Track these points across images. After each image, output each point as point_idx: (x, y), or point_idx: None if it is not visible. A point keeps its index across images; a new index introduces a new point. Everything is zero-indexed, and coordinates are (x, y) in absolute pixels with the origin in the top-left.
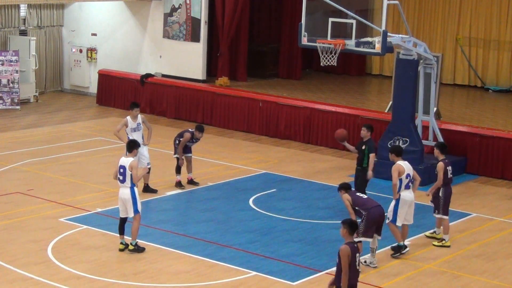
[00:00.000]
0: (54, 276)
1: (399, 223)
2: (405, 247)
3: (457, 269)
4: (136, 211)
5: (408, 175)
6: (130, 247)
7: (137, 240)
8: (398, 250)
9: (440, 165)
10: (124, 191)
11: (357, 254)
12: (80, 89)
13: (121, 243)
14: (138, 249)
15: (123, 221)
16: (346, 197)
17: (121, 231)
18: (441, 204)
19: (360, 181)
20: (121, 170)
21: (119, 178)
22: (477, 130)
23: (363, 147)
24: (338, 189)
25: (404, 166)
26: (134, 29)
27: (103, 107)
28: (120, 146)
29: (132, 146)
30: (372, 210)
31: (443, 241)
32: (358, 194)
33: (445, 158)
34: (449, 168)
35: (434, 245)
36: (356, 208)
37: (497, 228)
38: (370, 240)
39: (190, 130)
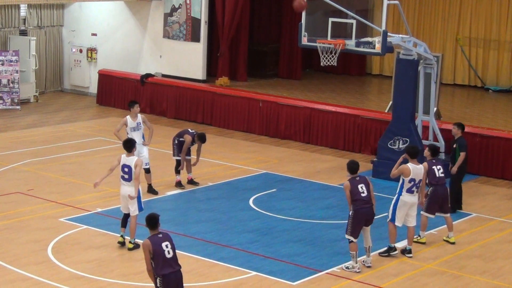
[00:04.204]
0: (54, 276)
1: (398, 223)
2: (395, 249)
3: (457, 269)
4: (141, 208)
5: (412, 179)
6: (130, 245)
7: (135, 238)
8: (387, 251)
9: (424, 165)
10: (129, 189)
11: (165, 243)
12: (80, 89)
13: (121, 236)
14: (137, 246)
15: (127, 216)
16: (347, 185)
17: (124, 224)
18: (426, 202)
19: (452, 179)
20: (126, 170)
21: (123, 176)
22: (477, 130)
23: (454, 146)
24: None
25: (411, 169)
26: (134, 29)
27: (103, 107)
28: (120, 146)
29: (130, 146)
30: (360, 211)
31: (418, 237)
32: (359, 186)
33: (433, 159)
34: (436, 168)
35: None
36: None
37: (497, 228)
38: (354, 239)
39: (190, 130)
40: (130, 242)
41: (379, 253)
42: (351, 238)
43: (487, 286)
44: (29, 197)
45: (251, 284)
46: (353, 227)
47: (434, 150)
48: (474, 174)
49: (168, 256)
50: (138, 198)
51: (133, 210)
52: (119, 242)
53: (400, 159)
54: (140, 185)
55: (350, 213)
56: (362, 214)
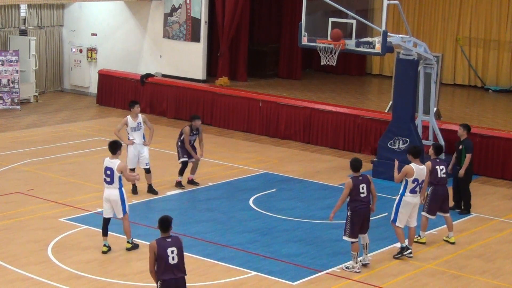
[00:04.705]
0: (54, 276)
1: (400, 224)
2: (407, 249)
3: (457, 269)
4: (124, 211)
5: (415, 180)
6: (128, 245)
7: (132, 237)
8: (400, 252)
9: (427, 164)
10: (113, 192)
11: (172, 249)
12: (80, 89)
13: (105, 245)
14: (136, 246)
15: (107, 222)
16: (349, 184)
17: (105, 233)
18: (427, 202)
19: (460, 181)
20: (108, 172)
21: (106, 179)
22: (477, 130)
23: (460, 147)
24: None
25: (414, 169)
26: (134, 29)
27: (103, 107)
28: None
29: (115, 147)
30: (358, 211)
31: (418, 237)
32: (361, 185)
33: (437, 158)
34: (439, 168)
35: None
36: (348, 200)
37: (497, 228)
38: (355, 240)
39: (186, 126)
40: (127, 242)
41: (393, 256)
42: (351, 240)
43: (487, 286)
44: (29, 197)
45: (251, 284)
46: (352, 228)
47: (438, 149)
48: (474, 174)
49: (172, 262)
50: (123, 201)
51: (119, 213)
52: (103, 252)
53: (396, 164)
54: (124, 188)
55: (348, 214)
56: (359, 214)
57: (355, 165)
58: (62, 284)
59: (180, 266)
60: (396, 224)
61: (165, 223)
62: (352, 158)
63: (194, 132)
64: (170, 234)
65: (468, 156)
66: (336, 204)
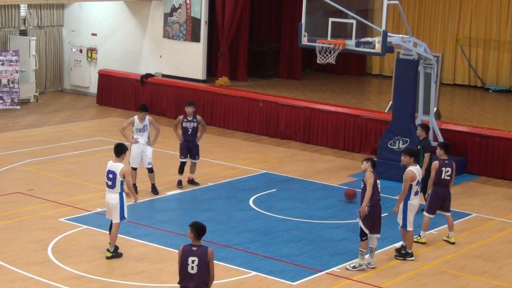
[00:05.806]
0: (54, 276)
1: (410, 228)
2: (412, 255)
3: (457, 269)
4: (122, 217)
5: (418, 181)
6: (108, 254)
7: (115, 246)
8: (404, 255)
9: (435, 163)
10: (113, 196)
11: (193, 258)
12: (80, 89)
13: (110, 243)
14: (117, 255)
15: (112, 224)
16: (373, 178)
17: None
18: (427, 202)
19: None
20: (110, 176)
21: (107, 183)
22: (477, 130)
23: (418, 147)
24: (366, 160)
25: (415, 171)
26: (134, 29)
27: (103, 107)
28: None
29: (120, 150)
30: (375, 207)
31: (418, 237)
32: (377, 181)
33: (446, 159)
34: (445, 170)
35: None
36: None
37: (497, 228)
38: (367, 232)
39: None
40: (108, 250)
41: (395, 256)
42: (365, 230)
43: (487, 286)
44: (29, 197)
45: (251, 284)
46: (368, 222)
47: (447, 147)
48: (474, 174)
49: (191, 271)
50: (122, 206)
51: (115, 218)
52: (108, 250)
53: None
54: (124, 193)
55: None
56: (376, 211)
57: (375, 161)
58: (62, 284)
59: (197, 279)
60: (408, 228)
61: (198, 231)
62: (368, 157)
63: (189, 119)
64: (201, 243)
65: (427, 155)
66: (364, 199)
